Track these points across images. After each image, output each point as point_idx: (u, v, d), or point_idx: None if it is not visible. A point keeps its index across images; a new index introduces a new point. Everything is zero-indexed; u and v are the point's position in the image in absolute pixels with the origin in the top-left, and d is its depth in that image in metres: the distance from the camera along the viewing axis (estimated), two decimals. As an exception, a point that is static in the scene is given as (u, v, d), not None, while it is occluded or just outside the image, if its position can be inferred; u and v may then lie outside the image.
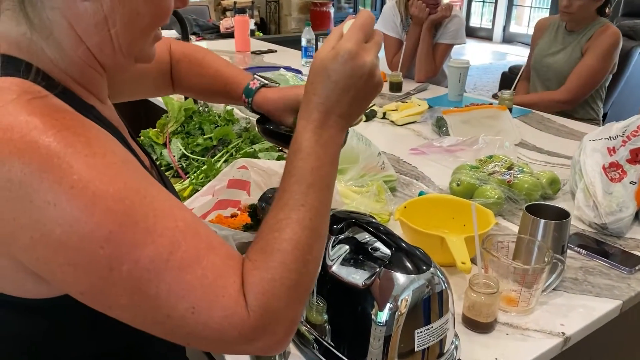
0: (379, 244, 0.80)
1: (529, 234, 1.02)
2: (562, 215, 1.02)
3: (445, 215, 1.21)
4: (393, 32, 2.68)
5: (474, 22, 9.85)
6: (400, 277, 0.73)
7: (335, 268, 0.79)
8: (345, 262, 0.79)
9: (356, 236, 0.84)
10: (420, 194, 1.40)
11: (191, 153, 1.42)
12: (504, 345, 0.89)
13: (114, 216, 0.50)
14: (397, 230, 1.19)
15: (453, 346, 0.81)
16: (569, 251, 1.17)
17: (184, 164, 1.40)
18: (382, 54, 2.80)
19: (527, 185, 1.35)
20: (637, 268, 1.10)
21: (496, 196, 1.30)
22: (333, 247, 0.81)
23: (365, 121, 2.05)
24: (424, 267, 0.75)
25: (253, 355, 0.73)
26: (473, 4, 9.71)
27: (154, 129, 1.50)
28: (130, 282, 0.51)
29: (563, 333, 0.92)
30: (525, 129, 1.99)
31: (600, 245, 1.20)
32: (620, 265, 1.10)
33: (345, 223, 0.82)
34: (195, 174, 1.33)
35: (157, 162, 1.44)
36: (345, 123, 0.64)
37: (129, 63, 0.63)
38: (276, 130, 0.86)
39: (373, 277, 0.75)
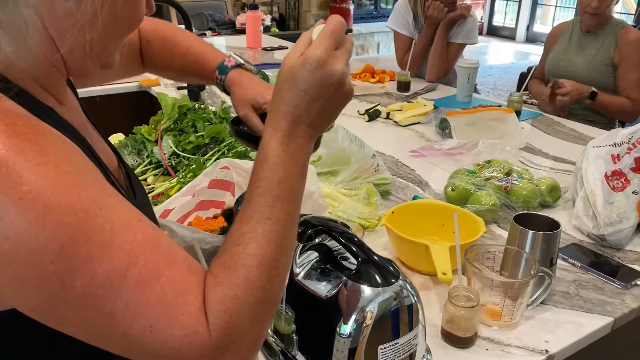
0: (349, 254, 0.77)
1: (517, 245, 0.98)
2: (552, 226, 0.98)
3: (435, 222, 1.17)
4: (405, 30, 2.62)
5: (497, 20, 9.68)
6: (365, 289, 0.70)
7: (302, 277, 0.76)
8: (312, 270, 0.76)
9: (328, 243, 0.81)
10: (414, 198, 1.36)
11: (182, 151, 1.40)
12: (482, 362, 0.85)
13: (66, 229, 0.47)
14: (385, 236, 1.16)
15: (424, 362, 0.78)
16: (562, 263, 1.12)
17: (173, 162, 1.38)
18: (392, 52, 2.77)
19: (525, 192, 1.30)
20: (633, 283, 1.05)
21: (491, 203, 1.25)
22: (301, 254, 0.78)
23: (368, 121, 2.01)
24: (392, 280, 0.72)
25: None
26: (497, 2, 9.54)
27: (148, 126, 1.49)
28: (85, 299, 0.48)
29: (547, 350, 0.88)
30: (533, 133, 1.93)
31: (598, 258, 1.15)
32: (615, 280, 1.05)
33: (314, 230, 0.78)
34: (183, 173, 1.31)
35: (148, 159, 1.43)
36: (314, 132, 0.61)
37: (96, 68, 0.61)
38: (250, 133, 0.83)
39: (338, 288, 0.71)
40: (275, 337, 0.81)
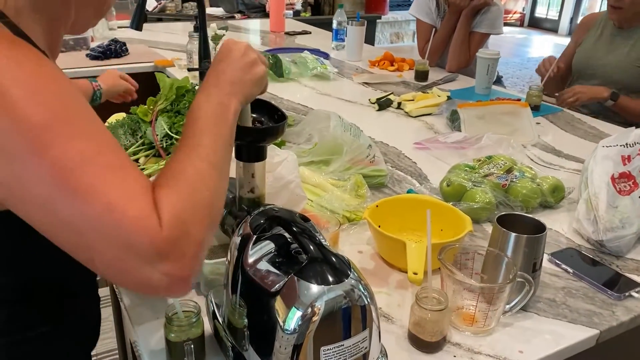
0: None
1: (499, 247, 0.92)
2: (538, 229, 0.92)
3: (422, 218, 1.11)
4: (427, 18, 2.54)
5: (540, 12, 9.38)
6: (310, 287, 0.66)
7: (251, 269, 0.72)
8: (263, 262, 0.73)
9: (286, 234, 0.77)
10: (409, 192, 1.31)
11: (175, 133, 1.38)
12: (447, 369, 0.81)
13: (51, 107, 0.55)
14: (369, 231, 1.11)
15: (378, 366, 0.74)
16: (554, 268, 1.06)
17: (165, 144, 1.36)
18: (414, 40, 2.72)
19: (524, 191, 1.23)
20: (627, 294, 0.98)
21: (486, 201, 1.19)
22: (255, 244, 0.75)
23: (378, 110, 1.95)
24: (343, 278, 0.68)
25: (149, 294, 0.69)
26: (540, -7, 9.24)
27: (144, 106, 1.47)
28: (54, 170, 0.53)
29: (519, 361, 0.82)
30: (549, 129, 1.84)
31: (594, 265, 1.08)
32: (608, 290, 0.98)
33: (269, 221, 0.75)
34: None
35: (141, 140, 1.42)
36: (232, 90, 0.73)
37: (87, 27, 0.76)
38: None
39: (284, 283, 0.68)
40: (227, 331, 0.78)
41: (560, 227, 1.21)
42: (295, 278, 0.67)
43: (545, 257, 1.04)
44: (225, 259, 0.81)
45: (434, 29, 2.47)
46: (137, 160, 1.37)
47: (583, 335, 0.88)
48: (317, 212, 1.14)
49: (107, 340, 2.18)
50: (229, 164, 0.70)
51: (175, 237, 0.55)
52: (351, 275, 0.69)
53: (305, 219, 0.78)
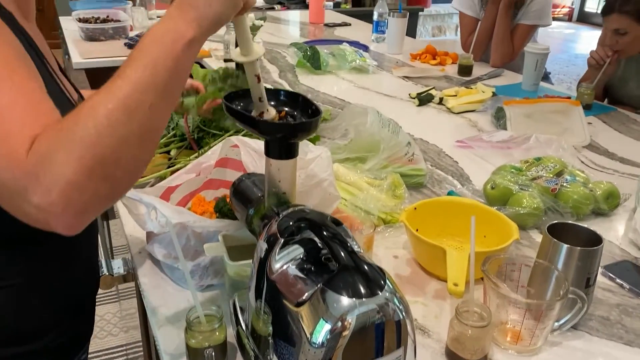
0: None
1: (548, 259, 0.84)
2: (593, 240, 0.83)
3: (464, 222, 1.03)
4: (470, 10, 2.43)
5: (590, 6, 9.01)
6: (340, 299, 0.60)
7: (277, 275, 0.67)
8: (291, 269, 0.67)
9: (316, 239, 0.71)
10: (450, 193, 1.23)
11: (208, 126, 1.34)
12: (488, 391, 0.74)
13: None
14: (406, 234, 1.05)
15: (412, 386, 0.67)
16: (608, 282, 0.97)
17: (197, 136, 1.33)
18: (456, 34, 2.63)
19: (575, 196, 1.14)
20: (691, 315, 0.89)
21: (533, 206, 1.11)
22: (283, 248, 0.69)
23: (419, 105, 1.87)
24: (377, 291, 0.62)
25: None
26: (591, -15, 8.88)
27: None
28: None
29: (568, 386, 0.75)
30: (602, 129, 1.73)
31: (653, 280, 0.98)
32: (669, 309, 0.89)
33: (297, 224, 0.69)
34: (204, 150, 1.26)
35: (173, 132, 1.38)
36: (195, 14, 0.61)
37: None
38: (241, 111, 0.74)
39: (311, 294, 0.62)
40: (250, 339, 0.73)
41: (615, 236, 1.12)
42: (325, 288, 0.61)
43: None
44: (251, 260, 0.77)
45: (478, 22, 2.36)
46: (168, 152, 1.34)
47: (641, 360, 0.80)
48: (351, 213, 1.08)
49: (133, 331, 2.19)
50: (162, 109, 0.60)
51: (37, 172, 0.54)
52: (386, 287, 0.63)
53: (338, 223, 0.72)
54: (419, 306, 0.89)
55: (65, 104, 0.76)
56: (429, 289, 0.94)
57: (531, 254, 1.05)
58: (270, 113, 0.76)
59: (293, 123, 0.74)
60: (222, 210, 0.90)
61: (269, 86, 0.79)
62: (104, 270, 1.05)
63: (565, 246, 0.82)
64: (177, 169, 1.26)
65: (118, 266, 1.08)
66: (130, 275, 1.08)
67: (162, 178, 1.24)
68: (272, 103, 0.79)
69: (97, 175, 0.55)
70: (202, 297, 0.89)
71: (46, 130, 0.56)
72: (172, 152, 1.34)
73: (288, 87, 2.02)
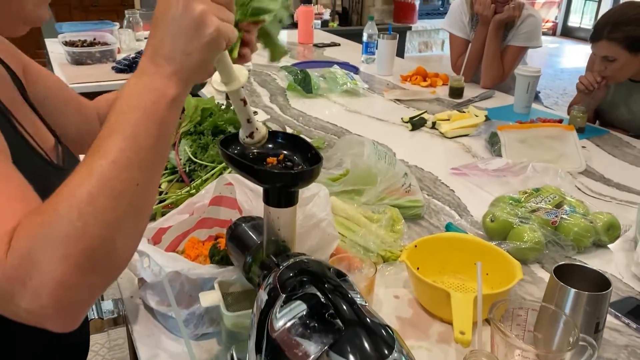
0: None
1: (555, 303, 0.82)
2: (602, 284, 0.81)
3: (465, 259, 1.02)
4: (460, 32, 2.44)
5: (573, 21, 9.14)
6: (349, 363, 0.57)
7: (279, 334, 0.64)
8: (294, 327, 0.64)
9: (319, 293, 0.68)
10: (448, 226, 1.21)
11: (195, 156, 1.31)
12: None
13: None
14: (406, 272, 1.02)
15: None
16: (614, 321, 0.95)
17: (188, 169, 1.29)
18: (446, 54, 2.61)
19: (576, 228, 1.13)
20: (701, 356, 0.86)
21: (535, 240, 1.09)
22: (284, 305, 0.66)
23: (412, 130, 1.86)
24: (385, 352, 0.59)
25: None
26: (574, 1, 9.01)
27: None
28: None
29: None
30: (596, 153, 1.72)
31: (659, 317, 0.96)
32: (678, 351, 0.87)
33: (299, 279, 0.66)
34: (196, 184, 1.22)
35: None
36: (174, 68, 0.55)
37: (15, 24, 0.64)
38: (236, 157, 0.70)
39: (316, 358, 0.59)
40: (251, 397, 0.69)
41: (617, 270, 1.10)
42: (331, 352, 0.58)
43: (605, 309, 0.93)
44: (250, 310, 0.73)
45: (469, 44, 2.37)
46: (159, 186, 1.30)
47: (653, 407, 0.78)
48: (350, 250, 1.05)
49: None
50: (152, 181, 0.56)
51: (22, 275, 0.48)
52: (395, 347, 0.60)
53: (340, 274, 0.69)
54: (423, 352, 0.86)
55: (34, 164, 0.69)
56: (432, 332, 0.91)
57: (534, 290, 1.03)
58: (261, 132, 0.72)
59: (293, 172, 0.71)
60: (215, 259, 0.87)
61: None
62: (94, 313, 1.01)
63: (573, 291, 0.80)
64: (168, 204, 1.23)
65: (108, 308, 1.04)
66: (121, 318, 1.04)
67: (153, 214, 1.21)
68: (270, 145, 0.76)
69: (88, 269, 0.50)
70: (198, 346, 0.85)
71: (24, 224, 0.50)
72: (163, 186, 1.30)
73: (279, 112, 2.00)
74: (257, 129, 0.71)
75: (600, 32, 1.87)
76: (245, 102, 0.68)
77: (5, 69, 0.75)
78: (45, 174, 0.68)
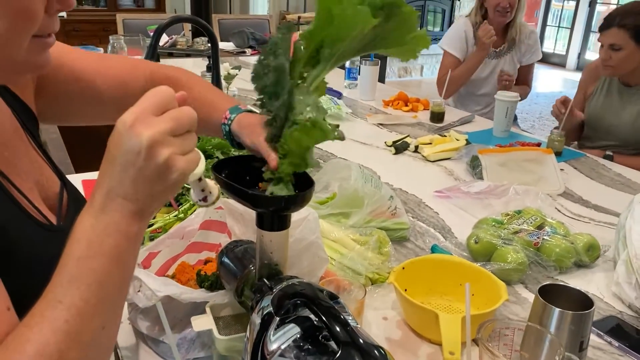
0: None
1: (541, 323, 0.84)
2: (585, 303, 0.84)
3: (452, 280, 1.04)
4: (455, 51, 2.66)
5: (547, 47, 9.39)
6: (344, 384, 0.58)
7: (274, 357, 0.64)
8: (288, 350, 0.65)
9: (312, 316, 0.69)
10: (433, 248, 1.23)
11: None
12: None
13: None
14: (394, 293, 1.04)
15: None
16: (596, 340, 0.97)
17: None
18: (425, 79, 3.02)
19: (557, 249, 1.16)
20: (681, 373, 0.89)
21: (518, 261, 1.11)
22: (278, 328, 0.67)
23: (395, 154, 1.89)
24: (379, 373, 0.60)
25: None
26: (547, 28, 9.28)
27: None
28: None
29: None
30: (574, 176, 1.77)
31: (640, 335, 0.99)
32: (659, 367, 0.90)
33: (293, 302, 0.67)
34: (184, 208, 1.23)
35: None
36: (136, 207, 0.52)
37: (2, 73, 0.57)
38: (230, 182, 0.72)
39: (312, 379, 0.60)
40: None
41: (598, 289, 1.13)
42: (325, 374, 0.59)
43: (587, 327, 0.95)
44: (243, 334, 0.74)
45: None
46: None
47: None
48: (338, 272, 1.06)
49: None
50: (119, 315, 0.54)
51: None
52: (388, 369, 0.61)
53: (333, 297, 0.70)
54: (413, 373, 0.88)
55: (24, 230, 0.62)
56: (421, 353, 0.93)
57: (518, 310, 1.05)
58: (214, 194, 0.71)
59: (286, 196, 0.73)
60: (205, 285, 0.87)
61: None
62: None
63: (558, 310, 0.82)
64: (156, 228, 1.23)
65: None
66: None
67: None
68: (264, 169, 0.78)
69: None
70: (189, 371, 0.85)
71: None
72: (151, 210, 1.30)
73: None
74: (210, 192, 0.71)
75: (612, 20, 1.96)
76: (200, 179, 0.68)
77: (13, 108, 0.69)
78: (37, 239, 0.63)
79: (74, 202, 0.72)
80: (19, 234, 0.59)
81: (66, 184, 0.73)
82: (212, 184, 0.71)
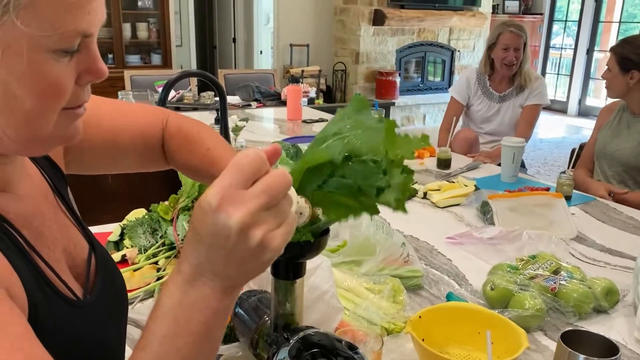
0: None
1: (565, 371, 0.81)
2: (610, 349, 0.81)
3: (470, 329, 1.01)
4: (457, 95, 2.84)
5: (549, 94, 9.55)
6: None
7: (293, 412, 0.62)
8: (307, 403, 0.63)
9: (330, 367, 0.67)
10: (449, 296, 1.21)
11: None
12: None
13: None
14: (411, 343, 1.01)
15: None
16: (623, 389, 0.94)
17: (186, 245, 1.29)
18: (428, 127, 3.19)
19: (575, 294, 1.13)
20: None
21: (536, 307, 1.09)
22: (297, 381, 0.65)
23: (404, 201, 1.88)
24: None
25: None
26: (547, 75, 9.44)
27: (165, 203, 1.42)
28: None
29: None
30: (585, 220, 1.76)
31: (667, 383, 0.96)
32: (691, 417, 0.86)
33: (311, 353, 0.66)
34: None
35: (162, 240, 1.35)
36: (228, 283, 0.50)
37: (29, 147, 0.55)
38: None
39: None
40: None
41: (620, 336, 1.10)
42: None
43: (613, 376, 0.92)
44: (258, 388, 0.72)
45: (463, 108, 2.83)
46: (156, 263, 1.29)
47: None
48: (353, 322, 1.04)
49: None
50: None
51: None
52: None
53: (352, 347, 0.69)
54: None
55: (51, 306, 0.60)
56: (442, 405, 0.89)
57: (539, 358, 1.02)
58: (305, 214, 0.69)
59: (302, 242, 0.72)
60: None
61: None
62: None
63: (583, 357, 0.80)
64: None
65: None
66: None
67: (151, 291, 1.19)
68: None
69: None
70: None
71: None
72: (161, 262, 1.29)
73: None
74: (301, 213, 0.68)
75: (614, 45, 2.22)
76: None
77: (42, 169, 0.69)
78: (62, 316, 0.60)
79: (102, 269, 0.70)
80: (45, 312, 0.57)
81: (94, 247, 0.72)
82: (302, 204, 0.68)
